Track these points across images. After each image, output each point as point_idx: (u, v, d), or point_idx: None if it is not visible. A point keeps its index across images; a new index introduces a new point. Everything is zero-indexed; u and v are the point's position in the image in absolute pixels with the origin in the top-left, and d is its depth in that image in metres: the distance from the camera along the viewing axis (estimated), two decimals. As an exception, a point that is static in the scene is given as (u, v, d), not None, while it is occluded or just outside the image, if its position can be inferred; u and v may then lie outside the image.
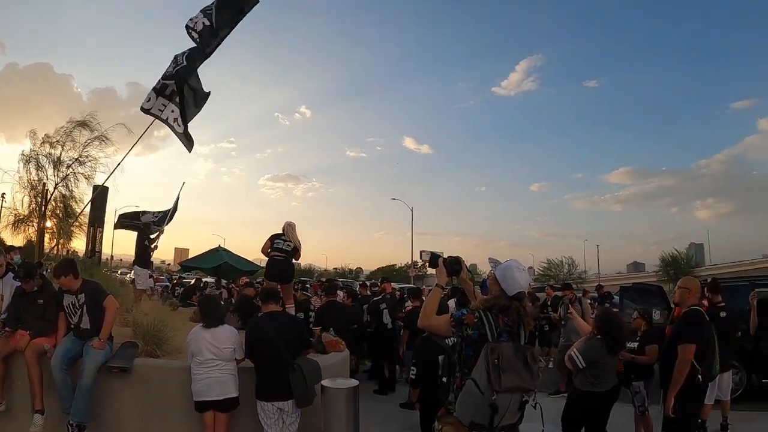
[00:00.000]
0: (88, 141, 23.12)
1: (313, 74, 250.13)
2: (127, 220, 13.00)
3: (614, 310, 12.73)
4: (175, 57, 9.19)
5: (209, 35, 9.12)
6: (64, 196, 24.16)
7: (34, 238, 24.32)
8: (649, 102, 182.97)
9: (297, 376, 4.98)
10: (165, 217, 12.34)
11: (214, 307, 5.66)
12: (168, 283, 29.06)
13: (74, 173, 23.57)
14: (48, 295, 6.08)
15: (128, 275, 22.78)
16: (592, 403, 5.35)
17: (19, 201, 24.43)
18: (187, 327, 5.94)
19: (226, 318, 6.23)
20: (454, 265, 3.69)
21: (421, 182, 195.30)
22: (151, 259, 12.78)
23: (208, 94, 9.59)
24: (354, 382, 5.24)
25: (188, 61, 9.09)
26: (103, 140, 23.20)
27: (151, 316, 6.91)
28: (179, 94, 9.14)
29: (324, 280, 23.06)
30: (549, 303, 13.66)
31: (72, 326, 5.86)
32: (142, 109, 9.40)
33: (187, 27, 9.09)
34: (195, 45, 9.15)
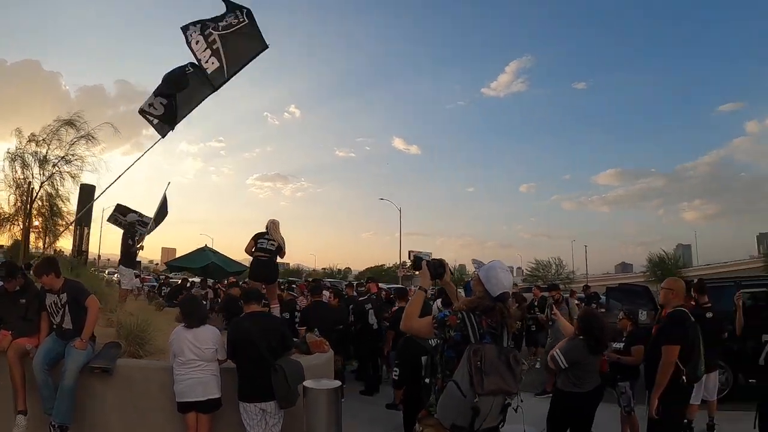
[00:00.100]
0: (74, 140, 22.96)
1: (302, 74, 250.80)
2: (117, 215, 12.89)
3: (601, 310, 12.89)
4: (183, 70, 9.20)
5: (218, 76, 9.16)
6: (50, 194, 23.99)
7: (20, 238, 24.16)
8: (637, 104, 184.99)
9: (279, 377, 4.94)
10: (150, 222, 12.23)
11: (195, 307, 5.64)
12: (155, 283, 28.91)
13: (60, 172, 23.40)
14: (30, 294, 6.01)
15: (115, 275, 22.70)
16: (574, 404, 5.33)
17: (5, 200, 24.24)
18: (171, 327, 5.89)
19: (211, 318, 6.19)
20: (437, 267, 3.67)
21: (410, 182, 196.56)
22: (138, 259, 12.69)
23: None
24: (336, 383, 5.21)
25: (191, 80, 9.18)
26: (90, 139, 23.06)
27: (135, 317, 6.87)
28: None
29: (310, 280, 23.01)
30: (536, 303, 13.69)
31: (54, 326, 5.80)
32: (140, 111, 9.49)
33: (195, 64, 9.14)
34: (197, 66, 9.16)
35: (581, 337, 5.46)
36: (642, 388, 5.31)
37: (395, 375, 5.83)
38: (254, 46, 9.13)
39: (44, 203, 24.21)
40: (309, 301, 10.29)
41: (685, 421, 6.60)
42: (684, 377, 4.72)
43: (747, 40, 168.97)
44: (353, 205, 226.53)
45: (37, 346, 5.73)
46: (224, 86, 9.19)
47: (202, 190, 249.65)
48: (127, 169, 11.00)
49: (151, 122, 9.54)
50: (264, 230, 9.13)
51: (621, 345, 6.94)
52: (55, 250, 20.29)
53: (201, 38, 8.89)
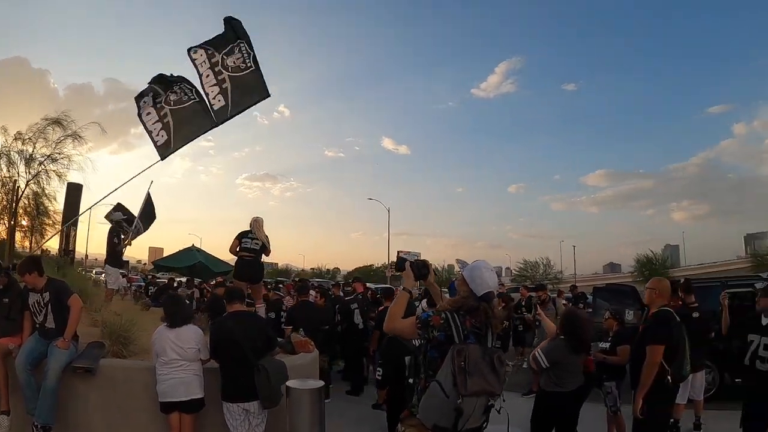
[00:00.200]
0: (61, 138, 22.83)
1: (292, 73, 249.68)
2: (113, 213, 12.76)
3: (588, 310, 12.91)
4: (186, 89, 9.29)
5: (222, 114, 9.21)
6: (36, 193, 23.86)
7: (5, 236, 23.99)
8: (626, 105, 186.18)
9: (262, 377, 4.92)
10: (135, 221, 12.09)
11: (177, 306, 5.58)
12: (143, 283, 28.78)
13: (46, 170, 23.27)
14: (13, 293, 5.95)
15: (102, 275, 22.60)
16: (556, 403, 5.34)
17: (-10, 198, 23.94)
18: (156, 327, 5.85)
19: (197, 318, 6.15)
20: (421, 268, 3.63)
21: (399, 183, 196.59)
22: (125, 259, 12.61)
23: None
24: (319, 383, 5.18)
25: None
26: (76, 138, 22.95)
27: (120, 316, 6.82)
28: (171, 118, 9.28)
29: (297, 279, 22.96)
30: (523, 303, 13.68)
31: (37, 325, 5.75)
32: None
33: (204, 100, 9.21)
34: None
35: (562, 336, 5.49)
36: (628, 387, 5.31)
37: (378, 375, 5.81)
38: (258, 94, 9.25)
39: (30, 202, 24.05)
40: (295, 300, 10.23)
41: (672, 420, 6.62)
42: (669, 377, 4.71)
43: (736, 42, 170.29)
44: (342, 205, 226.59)
45: (19, 345, 5.69)
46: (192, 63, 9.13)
47: (191, 189, 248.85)
48: (124, 184, 10.99)
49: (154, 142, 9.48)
50: (248, 229, 9.08)
51: (607, 345, 6.94)
52: (42, 250, 20.18)
53: (211, 73, 9.01)
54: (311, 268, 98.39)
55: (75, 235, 18.15)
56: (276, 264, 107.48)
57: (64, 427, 5.53)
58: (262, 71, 9.17)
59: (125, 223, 11.84)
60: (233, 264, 10.02)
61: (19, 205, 23.51)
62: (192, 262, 21.12)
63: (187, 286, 18.54)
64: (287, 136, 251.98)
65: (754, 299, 5.85)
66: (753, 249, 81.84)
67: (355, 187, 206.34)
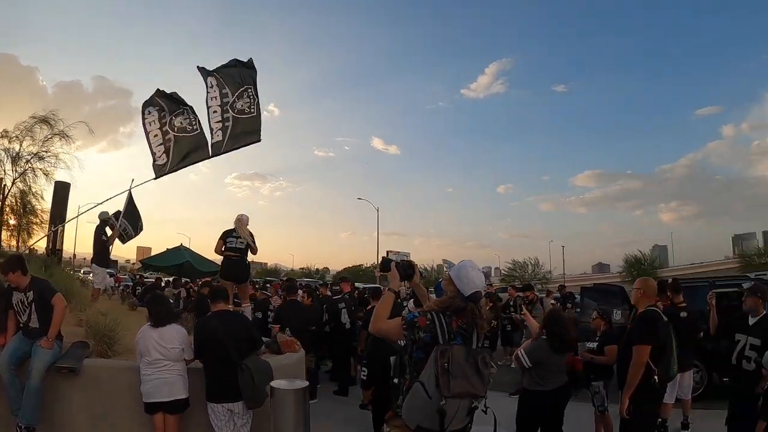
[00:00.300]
0: (48, 136, 22.68)
1: (282, 73, 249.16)
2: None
3: (576, 310, 12.94)
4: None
5: (217, 149, 9.50)
6: (23, 192, 23.66)
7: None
8: (616, 107, 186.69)
9: (246, 377, 4.89)
10: (121, 220, 11.97)
11: (161, 305, 5.53)
12: (131, 283, 28.64)
13: (33, 168, 23.10)
14: None
15: (90, 274, 22.45)
16: (539, 402, 5.38)
17: (-25, 196, 23.73)
18: (142, 326, 5.81)
19: (183, 318, 6.11)
20: (407, 269, 3.62)
21: (389, 183, 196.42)
22: (112, 258, 12.51)
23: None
24: (304, 383, 5.10)
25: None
26: (64, 137, 22.79)
27: (105, 316, 6.76)
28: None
29: (284, 279, 22.92)
30: (512, 303, 13.71)
31: (21, 325, 5.69)
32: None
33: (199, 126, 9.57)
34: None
35: (544, 336, 5.53)
36: (616, 387, 5.30)
37: (363, 375, 5.79)
38: (251, 137, 9.59)
39: (17, 200, 23.87)
40: (283, 300, 10.20)
41: (660, 420, 6.62)
42: (656, 377, 4.70)
43: (726, 44, 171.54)
44: (332, 204, 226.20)
45: (3, 345, 5.64)
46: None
47: (180, 188, 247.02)
48: (118, 194, 11.02)
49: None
50: (232, 228, 9.00)
51: (595, 345, 6.94)
52: (30, 249, 20.03)
53: (219, 110, 9.35)
54: (300, 268, 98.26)
55: (62, 234, 18.01)
56: (265, 264, 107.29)
57: (49, 427, 5.48)
58: (261, 116, 9.63)
59: (113, 219, 11.73)
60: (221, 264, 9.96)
61: (6, 203, 23.32)
62: (180, 261, 21.06)
63: (174, 285, 18.49)
64: (277, 136, 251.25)
65: (742, 299, 5.86)
66: (741, 249, 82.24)
67: (344, 187, 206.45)
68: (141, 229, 12.59)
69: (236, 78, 9.39)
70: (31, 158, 22.85)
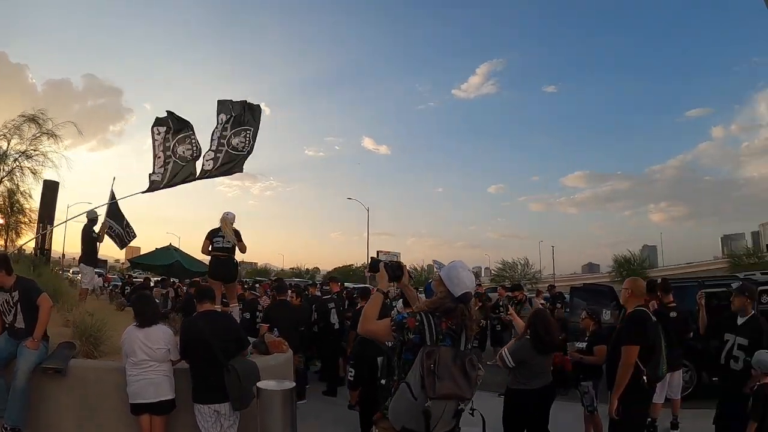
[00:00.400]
0: (36, 135, 22.52)
1: (272, 71, 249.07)
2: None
3: (565, 310, 12.94)
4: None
5: (204, 174, 9.64)
6: (10, 190, 23.48)
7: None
8: (606, 108, 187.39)
9: (232, 378, 4.85)
10: (106, 220, 11.90)
11: (146, 305, 5.49)
12: (119, 282, 28.53)
13: (21, 167, 22.93)
14: None
15: (79, 274, 22.30)
16: (523, 401, 5.40)
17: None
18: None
19: (171, 318, 6.07)
20: (395, 270, 3.61)
21: (380, 183, 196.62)
22: (102, 258, 12.43)
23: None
24: (291, 384, 5.09)
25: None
26: (52, 136, 22.64)
27: (92, 316, 6.71)
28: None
29: (273, 279, 22.85)
30: (501, 303, 13.72)
31: (6, 325, 5.64)
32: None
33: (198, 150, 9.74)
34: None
35: (527, 337, 5.55)
36: (605, 387, 5.30)
37: (350, 376, 5.76)
38: (235, 169, 9.72)
39: (5, 199, 23.69)
40: (273, 300, 10.17)
41: (649, 419, 6.63)
42: (645, 377, 4.70)
43: (716, 47, 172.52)
44: (322, 204, 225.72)
45: (-12, 346, 5.56)
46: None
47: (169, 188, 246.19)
48: (111, 202, 10.95)
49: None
50: (218, 226, 8.93)
51: (584, 344, 6.94)
52: (19, 249, 19.91)
53: (217, 142, 9.56)
54: (291, 268, 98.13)
55: (51, 234, 17.90)
56: (255, 264, 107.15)
57: (35, 428, 5.44)
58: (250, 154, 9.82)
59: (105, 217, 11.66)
60: (210, 264, 9.90)
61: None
62: (169, 261, 20.95)
63: (162, 285, 18.42)
64: (267, 135, 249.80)
65: (730, 299, 5.88)
66: (730, 250, 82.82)
67: (335, 187, 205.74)
68: (134, 236, 12.58)
69: (239, 118, 9.64)
70: (19, 157, 22.69)
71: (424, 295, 4.96)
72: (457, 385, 2.86)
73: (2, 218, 24.07)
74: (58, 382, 5.46)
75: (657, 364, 4.86)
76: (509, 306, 10.66)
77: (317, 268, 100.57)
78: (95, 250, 11.20)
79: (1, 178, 22.73)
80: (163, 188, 9.71)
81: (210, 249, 8.80)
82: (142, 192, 9.75)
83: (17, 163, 22.73)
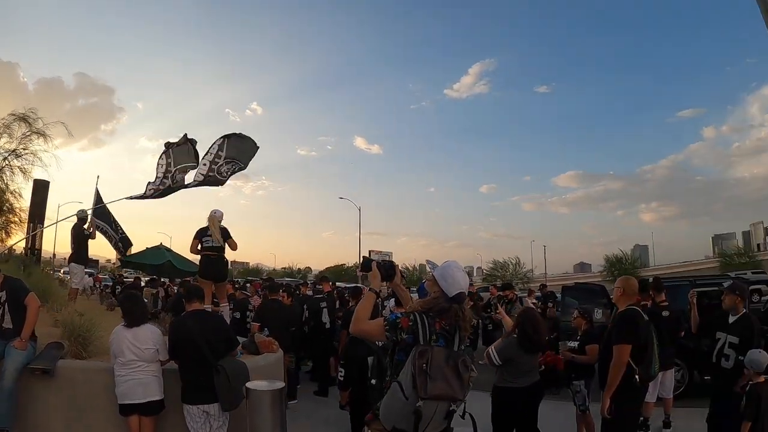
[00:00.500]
0: (26, 133, 22.39)
1: (264, 71, 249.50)
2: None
3: (557, 310, 12.95)
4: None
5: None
6: (0, 189, 23.33)
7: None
8: (598, 108, 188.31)
9: (221, 378, 4.82)
10: (92, 220, 11.84)
11: (134, 305, 5.43)
12: (110, 282, 28.38)
13: (10, 166, 22.79)
14: None
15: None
16: (509, 399, 5.39)
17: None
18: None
19: (161, 318, 6.02)
20: (388, 269, 3.58)
21: (372, 182, 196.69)
22: (90, 256, 12.36)
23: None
24: (280, 384, 5.03)
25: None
26: (42, 135, 22.51)
27: (82, 316, 6.66)
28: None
29: (264, 278, 22.77)
30: (491, 302, 13.72)
31: (-7, 325, 5.56)
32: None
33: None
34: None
35: (515, 335, 5.56)
36: (597, 386, 5.29)
37: (340, 376, 5.73)
38: (208, 185, 9.80)
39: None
40: (264, 298, 10.12)
41: (642, 418, 6.63)
42: (637, 376, 4.69)
43: (708, 48, 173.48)
44: (314, 204, 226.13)
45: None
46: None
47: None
48: (100, 205, 10.94)
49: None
50: (206, 225, 8.84)
51: (576, 344, 6.93)
52: (9, 248, 19.80)
53: (206, 166, 9.48)
54: (282, 268, 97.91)
55: (41, 233, 17.81)
56: (247, 263, 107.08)
57: (23, 429, 5.38)
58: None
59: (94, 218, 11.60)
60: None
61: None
62: (161, 261, 20.80)
63: (152, 285, 18.34)
64: (259, 134, 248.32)
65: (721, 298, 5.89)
66: (721, 249, 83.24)
67: (327, 187, 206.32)
68: (130, 244, 12.64)
69: (239, 156, 9.70)
70: (9, 155, 22.56)
71: (417, 294, 4.92)
72: (449, 386, 2.83)
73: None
74: (47, 383, 5.40)
75: (649, 363, 4.86)
76: (498, 305, 10.65)
77: (309, 267, 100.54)
78: (86, 249, 11.11)
79: (-10, 177, 22.60)
80: (150, 198, 9.83)
81: (199, 248, 8.72)
82: (128, 197, 9.88)
83: (7, 162, 22.62)
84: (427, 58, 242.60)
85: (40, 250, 18.07)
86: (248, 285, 20.29)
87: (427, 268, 3.60)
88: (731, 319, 5.62)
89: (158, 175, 9.45)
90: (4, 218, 23.74)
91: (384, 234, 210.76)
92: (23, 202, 23.00)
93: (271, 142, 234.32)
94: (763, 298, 13.49)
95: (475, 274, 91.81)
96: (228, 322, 8.31)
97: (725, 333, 5.57)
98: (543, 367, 6.52)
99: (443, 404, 2.87)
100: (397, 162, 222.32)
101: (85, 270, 12.03)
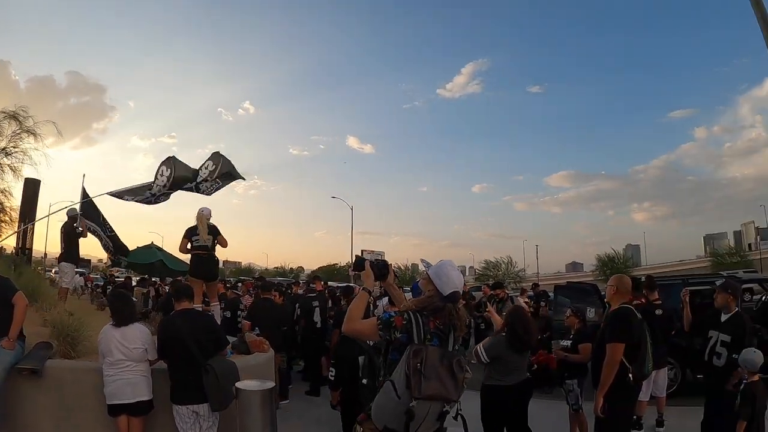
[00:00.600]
0: (15, 132, 22.24)
1: (257, 70, 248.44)
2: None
3: (549, 309, 12.96)
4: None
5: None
6: (-11, 187, 23.18)
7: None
8: (590, 108, 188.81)
9: (210, 378, 4.78)
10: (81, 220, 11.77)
11: (123, 304, 5.39)
12: (102, 282, 28.27)
13: (0, 164, 22.64)
14: None
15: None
16: (498, 398, 5.37)
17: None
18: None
19: (151, 317, 5.97)
20: (381, 268, 3.56)
21: (364, 182, 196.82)
22: (82, 255, 12.27)
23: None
24: (270, 384, 4.97)
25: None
26: (32, 133, 22.37)
27: (72, 315, 6.62)
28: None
29: (255, 277, 22.70)
30: (483, 301, 13.72)
31: (-20, 325, 5.50)
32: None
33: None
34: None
35: (504, 334, 5.56)
36: (590, 385, 5.28)
37: (331, 375, 5.70)
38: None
39: (-16, 197, 23.38)
40: (256, 297, 10.09)
41: (635, 417, 6.61)
42: (630, 375, 4.67)
43: (699, 48, 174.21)
44: (307, 203, 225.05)
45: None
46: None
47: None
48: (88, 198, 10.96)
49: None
50: (195, 224, 8.80)
51: (569, 343, 6.92)
52: (0, 248, 19.73)
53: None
54: (275, 267, 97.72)
55: (32, 232, 17.70)
56: (239, 263, 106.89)
57: (11, 429, 5.33)
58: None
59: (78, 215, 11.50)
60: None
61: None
62: (152, 260, 20.73)
63: (142, 284, 18.28)
64: (252, 134, 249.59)
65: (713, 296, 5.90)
66: (712, 249, 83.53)
67: (319, 186, 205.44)
68: (122, 245, 12.63)
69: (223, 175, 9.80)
70: (-2, 153, 22.39)
71: (411, 294, 4.89)
72: (443, 386, 2.80)
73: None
74: (35, 383, 5.35)
75: (643, 361, 4.84)
76: (488, 303, 10.67)
77: (301, 267, 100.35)
78: (76, 248, 11.01)
79: (-21, 176, 22.45)
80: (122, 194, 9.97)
81: (189, 247, 8.67)
82: (108, 193, 10.05)
83: (-5, 160, 22.44)
84: (419, 57, 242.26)
85: (31, 249, 17.93)
86: (240, 284, 20.21)
87: (422, 267, 3.57)
88: (723, 317, 5.63)
89: (158, 183, 9.46)
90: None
91: (377, 233, 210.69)
92: (14, 201, 22.86)
93: (263, 141, 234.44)
94: (754, 297, 13.47)
95: (467, 274, 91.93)
96: (219, 321, 8.28)
97: (717, 331, 5.58)
98: (536, 366, 6.53)
99: (436, 405, 2.84)
100: (390, 161, 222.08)
101: (77, 269, 11.96)
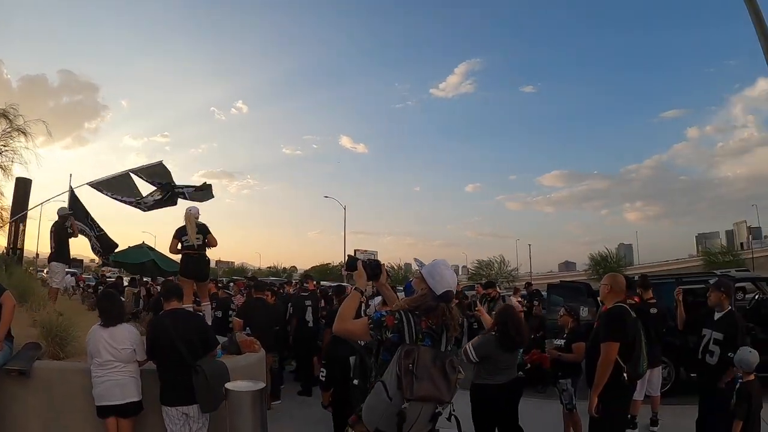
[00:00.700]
0: (5, 131, 22.09)
1: (250, 69, 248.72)
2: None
3: (542, 308, 12.95)
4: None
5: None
6: (-21, 186, 23.02)
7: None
8: (582, 108, 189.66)
9: (200, 379, 4.74)
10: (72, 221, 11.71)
11: (111, 304, 5.34)
12: (93, 282, 28.14)
13: (-11, 163, 22.47)
14: None
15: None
16: (487, 396, 5.37)
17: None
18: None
19: (142, 317, 5.92)
20: (374, 268, 3.52)
21: (357, 181, 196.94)
22: (74, 255, 12.21)
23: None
24: (260, 385, 4.93)
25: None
26: (23, 133, 22.23)
27: (62, 316, 6.56)
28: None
29: (247, 277, 22.64)
30: (473, 300, 13.72)
31: (-32, 326, 5.44)
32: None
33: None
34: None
35: (493, 333, 5.56)
36: (584, 384, 5.26)
37: (322, 376, 5.66)
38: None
39: (-26, 196, 23.22)
40: (248, 296, 10.04)
41: (629, 416, 6.60)
42: (625, 374, 4.64)
43: (692, 49, 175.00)
44: (300, 203, 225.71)
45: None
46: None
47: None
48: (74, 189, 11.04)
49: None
50: (184, 224, 8.77)
51: (562, 342, 6.90)
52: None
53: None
54: (268, 267, 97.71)
55: (24, 231, 17.60)
56: (232, 263, 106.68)
57: (0, 430, 5.29)
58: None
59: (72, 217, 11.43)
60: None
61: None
62: (143, 259, 20.66)
63: (133, 284, 18.21)
64: (244, 133, 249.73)
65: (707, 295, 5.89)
66: (705, 248, 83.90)
67: (312, 186, 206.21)
68: (110, 244, 12.59)
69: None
70: (-12, 152, 22.23)
71: (404, 293, 4.85)
72: (435, 387, 2.75)
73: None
74: (23, 384, 5.31)
75: (637, 360, 4.81)
76: (478, 302, 10.67)
77: (294, 267, 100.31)
78: (67, 248, 10.93)
79: (-32, 175, 22.28)
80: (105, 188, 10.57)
81: (180, 247, 8.64)
82: (86, 183, 10.65)
83: (-15, 159, 22.28)
84: (413, 57, 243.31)
85: (22, 249, 17.84)
86: (231, 284, 20.15)
87: (415, 266, 3.54)
88: (716, 315, 5.63)
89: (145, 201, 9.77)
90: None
91: (370, 233, 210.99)
92: (5, 201, 22.72)
93: (256, 141, 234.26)
94: (747, 296, 13.51)
95: (460, 273, 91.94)
96: (210, 321, 8.23)
97: (710, 330, 5.57)
98: (529, 365, 6.51)
99: (428, 406, 2.79)
100: (383, 161, 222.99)
101: (67, 269, 11.88)
